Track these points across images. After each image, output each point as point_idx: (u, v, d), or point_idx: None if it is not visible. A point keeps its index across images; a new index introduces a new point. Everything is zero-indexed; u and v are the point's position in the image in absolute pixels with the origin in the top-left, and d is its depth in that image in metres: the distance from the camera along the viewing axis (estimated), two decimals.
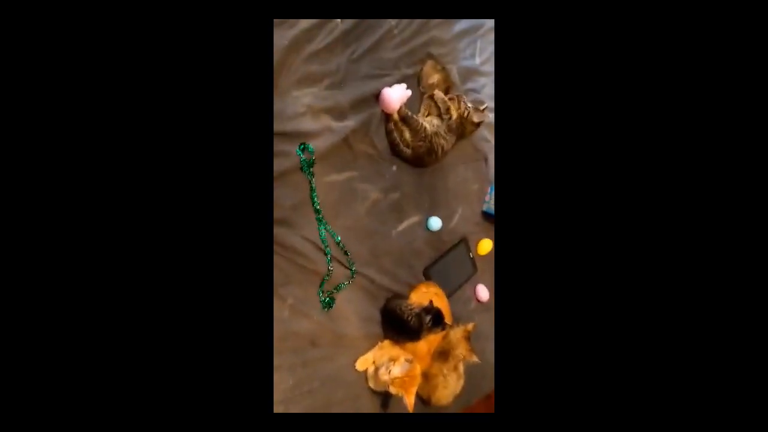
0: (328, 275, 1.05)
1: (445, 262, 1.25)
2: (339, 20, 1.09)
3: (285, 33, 1.01)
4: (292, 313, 0.99)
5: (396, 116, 1.16)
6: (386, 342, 1.11)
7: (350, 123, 1.09)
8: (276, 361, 0.92)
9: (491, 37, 1.42)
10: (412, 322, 1.09)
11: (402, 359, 1.05)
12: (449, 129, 1.21)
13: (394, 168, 1.18)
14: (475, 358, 1.14)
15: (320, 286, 1.04)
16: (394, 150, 1.18)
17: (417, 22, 1.22)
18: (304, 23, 1.03)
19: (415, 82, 1.22)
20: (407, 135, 1.16)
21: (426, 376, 1.13)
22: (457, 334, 1.16)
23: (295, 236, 1.01)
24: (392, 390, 1.03)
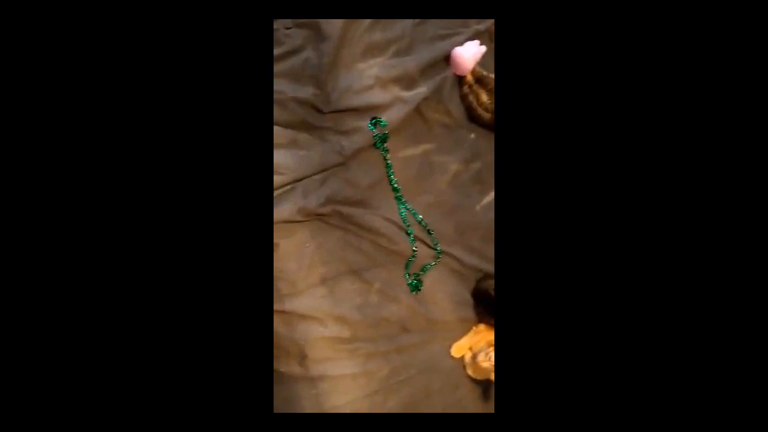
0: (413, 256, 0.97)
1: None
2: None
3: None
4: (381, 298, 0.93)
5: (470, 78, 1.05)
6: (482, 326, 1.02)
7: (422, 90, 1.00)
8: (370, 349, 0.87)
9: None
10: None
11: None
12: None
13: (473, 136, 1.07)
14: None
15: (406, 268, 0.97)
16: (472, 115, 1.07)
17: None
18: None
19: (487, 37, 1.10)
20: (484, 97, 1.05)
21: None
22: None
23: (375, 216, 0.95)
24: (494, 378, 0.94)
